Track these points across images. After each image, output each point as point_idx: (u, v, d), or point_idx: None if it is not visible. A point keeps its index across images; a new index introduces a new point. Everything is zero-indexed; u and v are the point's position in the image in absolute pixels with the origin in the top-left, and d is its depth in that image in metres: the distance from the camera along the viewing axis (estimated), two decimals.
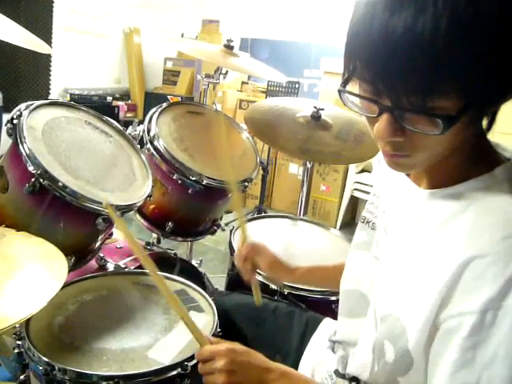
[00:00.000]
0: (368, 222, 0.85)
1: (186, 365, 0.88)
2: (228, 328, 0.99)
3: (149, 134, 1.50)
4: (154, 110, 1.57)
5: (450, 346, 0.57)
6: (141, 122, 1.57)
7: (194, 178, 1.47)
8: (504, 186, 0.61)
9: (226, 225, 1.82)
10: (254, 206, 3.63)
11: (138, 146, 1.41)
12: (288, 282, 1.20)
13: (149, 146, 1.49)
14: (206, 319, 1.05)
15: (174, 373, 0.87)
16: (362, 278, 0.83)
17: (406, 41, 0.51)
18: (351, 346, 0.83)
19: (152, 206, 1.59)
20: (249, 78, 4.72)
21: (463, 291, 0.57)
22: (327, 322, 1.10)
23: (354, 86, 0.61)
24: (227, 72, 1.98)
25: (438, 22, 0.49)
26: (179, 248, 2.37)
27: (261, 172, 3.38)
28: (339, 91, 0.62)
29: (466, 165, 0.66)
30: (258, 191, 3.61)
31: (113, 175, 1.25)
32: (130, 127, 1.54)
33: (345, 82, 0.61)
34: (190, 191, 1.48)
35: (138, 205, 1.24)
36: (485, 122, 0.63)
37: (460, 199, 0.64)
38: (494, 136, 0.70)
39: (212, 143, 1.64)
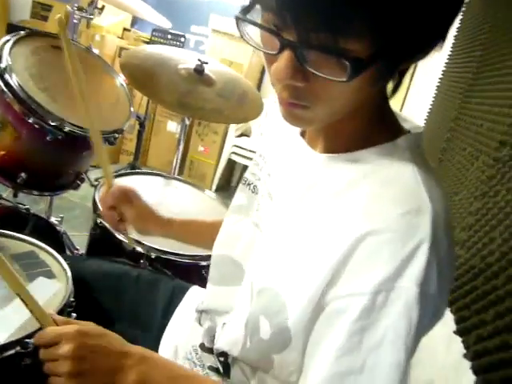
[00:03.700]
0: (249, 185, 0.78)
1: (27, 342, 0.74)
2: (84, 299, 0.86)
3: None
4: (7, 37, 1.32)
5: (336, 329, 0.52)
6: None
7: (53, 124, 1.27)
8: (406, 157, 0.58)
9: (97, 180, 1.64)
10: (127, 163, 3.42)
11: None
12: (160, 236, 1.04)
13: None
14: (58, 287, 0.90)
15: (12, 352, 0.74)
16: (236, 243, 0.76)
17: None
18: (220, 315, 0.77)
19: (1, 153, 1.36)
20: (132, 24, 4.39)
21: (354, 270, 0.52)
22: (195, 290, 1.01)
23: (256, 17, 0.52)
24: (103, 7, 1.75)
25: None
26: (41, 204, 2.12)
27: (137, 127, 3.18)
28: (237, 18, 0.52)
29: (368, 130, 0.61)
30: (133, 147, 3.39)
31: None
32: None
33: (246, 10, 0.52)
34: (48, 138, 1.28)
35: None
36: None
37: (359, 167, 0.59)
38: None
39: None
